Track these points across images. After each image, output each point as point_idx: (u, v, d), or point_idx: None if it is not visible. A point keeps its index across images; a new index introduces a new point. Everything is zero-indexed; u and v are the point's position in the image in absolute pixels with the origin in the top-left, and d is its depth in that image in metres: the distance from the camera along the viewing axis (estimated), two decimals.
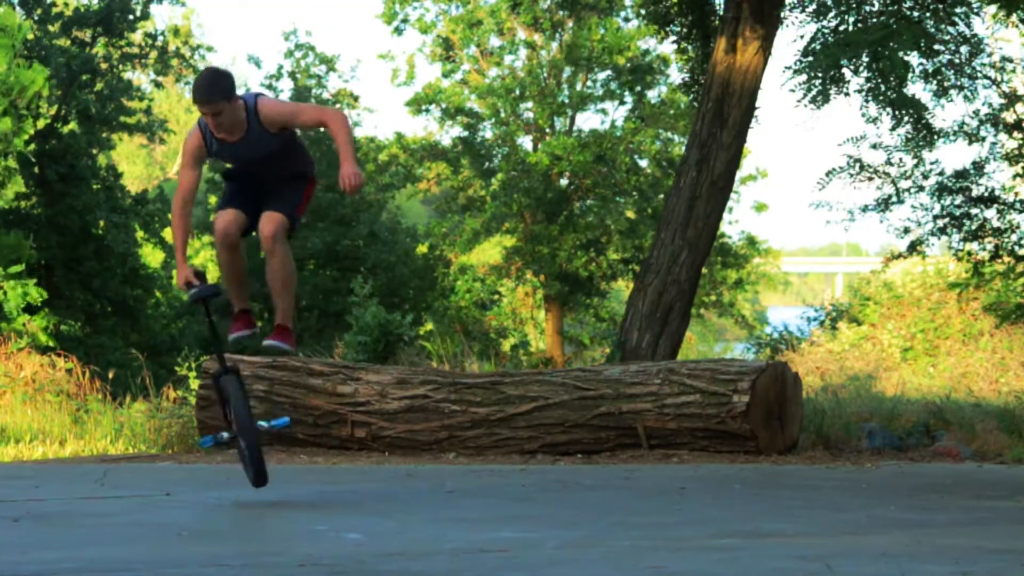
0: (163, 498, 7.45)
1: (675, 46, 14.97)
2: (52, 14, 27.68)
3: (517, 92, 29.09)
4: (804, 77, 11.29)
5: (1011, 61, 13.42)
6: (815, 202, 13.64)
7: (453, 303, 28.75)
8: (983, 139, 13.40)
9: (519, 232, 29.25)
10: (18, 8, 25.88)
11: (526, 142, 30.29)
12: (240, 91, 6.96)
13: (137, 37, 29.85)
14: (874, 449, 10.92)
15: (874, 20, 11.56)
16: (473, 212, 29.75)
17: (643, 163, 29.59)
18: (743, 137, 12.95)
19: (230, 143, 6.83)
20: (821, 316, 24.72)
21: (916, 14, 12.00)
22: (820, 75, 11.22)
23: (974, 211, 13.63)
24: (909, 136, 12.88)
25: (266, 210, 6.89)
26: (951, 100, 12.51)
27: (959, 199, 13.62)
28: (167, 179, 55.11)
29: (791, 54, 30.28)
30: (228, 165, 7.09)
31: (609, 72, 29.75)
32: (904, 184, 13.60)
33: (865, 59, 11.14)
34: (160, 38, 30.20)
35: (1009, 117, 13.53)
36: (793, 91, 11.34)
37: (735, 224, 36.24)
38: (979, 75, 12.74)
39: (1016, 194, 13.86)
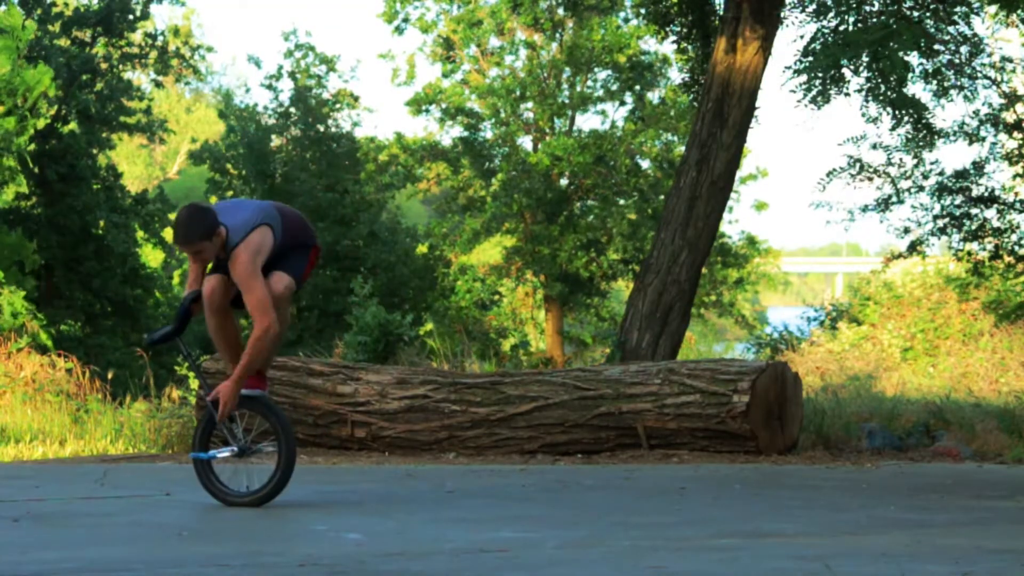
0: (163, 498, 7.45)
1: (675, 46, 14.99)
2: (52, 14, 27.69)
3: (517, 92, 29.09)
4: (804, 77, 11.29)
5: (1011, 61, 13.42)
6: (815, 202, 13.65)
7: (453, 303, 28.76)
8: (983, 139, 13.41)
9: (519, 232, 29.26)
10: (18, 8, 25.85)
11: (526, 142, 30.30)
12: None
13: (137, 37, 29.86)
14: (874, 449, 10.92)
15: (874, 20, 11.56)
16: (473, 212, 29.76)
17: (644, 164, 29.59)
18: (743, 137, 12.95)
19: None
20: (821, 316, 24.72)
21: (916, 14, 12.01)
22: (820, 75, 11.22)
23: (974, 211, 13.64)
24: (909, 136, 12.89)
25: (274, 271, 7.01)
26: (951, 100, 12.52)
27: (959, 199, 13.63)
28: (167, 179, 55.14)
29: (791, 54, 30.27)
30: None
31: (609, 72, 29.75)
32: (904, 184, 13.60)
33: (865, 59, 11.14)
34: (160, 38, 30.21)
35: (1009, 117, 13.54)
36: (793, 91, 11.35)
37: (735, 224, 36.27)
38: (979, 75, 12.75)
39: (1016, 194, 13.87)
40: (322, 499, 7.50)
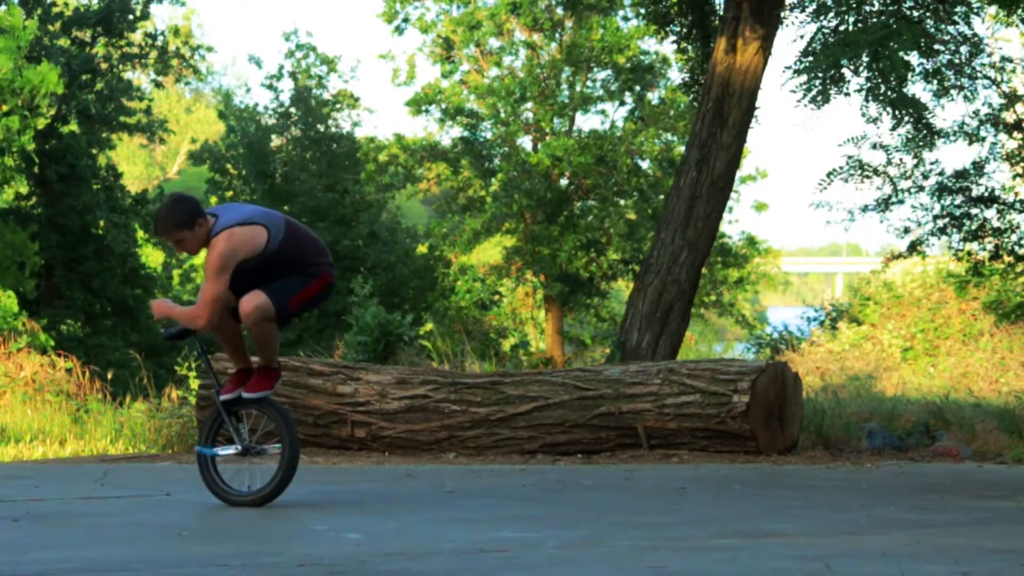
0: (163, 498, 7.45)
1: (675, 46, 14.98)
2: (52, 14, 27.68)
3: (517, 93, 29.08)
4: (804, 77, 11.28)
5: (1011, 61, 13.42)
6: (815, 202, 13.65)
7: (453, 303, 28.74)
8: (983, 139, 13.41)
9: (519, 232, 29.26)
10: (18, 8, 25.84)
11: (526, 142, 30.29)
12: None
13: (137, 37, 29.86)
14: (874, 449, 10.92)
15: (874, 20, 11.56)
16: (473, 212, 29.75)
17: (644, 164, 29.58)
18: (743, 137, 12.95)
19: None
20: (821, 316, 24.72)
21: (916, 14, 12.01)
22: (820, 75, 11.22)
23: (974, 211, 13.64)
24: (909, 136, 12.89)
25: (255, 289, 6.74)
26: (951, 100, 12.52)
27: (959, 199, 13.63)
28: (167, 179, 55.15)
29: (791, 54, 30.28)
30: None
31: (609, 72, 29.75)
32: (904, 184, 13.60)
33: (865, 59, 11.14)
34: (160, 38, 30.21)
35: (1009, 117, 13.54)
36: (793, 91, 11.35)
37: (735, 224, 36.27)
38: (979, 75, 12.75)
39: (1016, 194, 13.87)
40: (322, 499, 7.50)
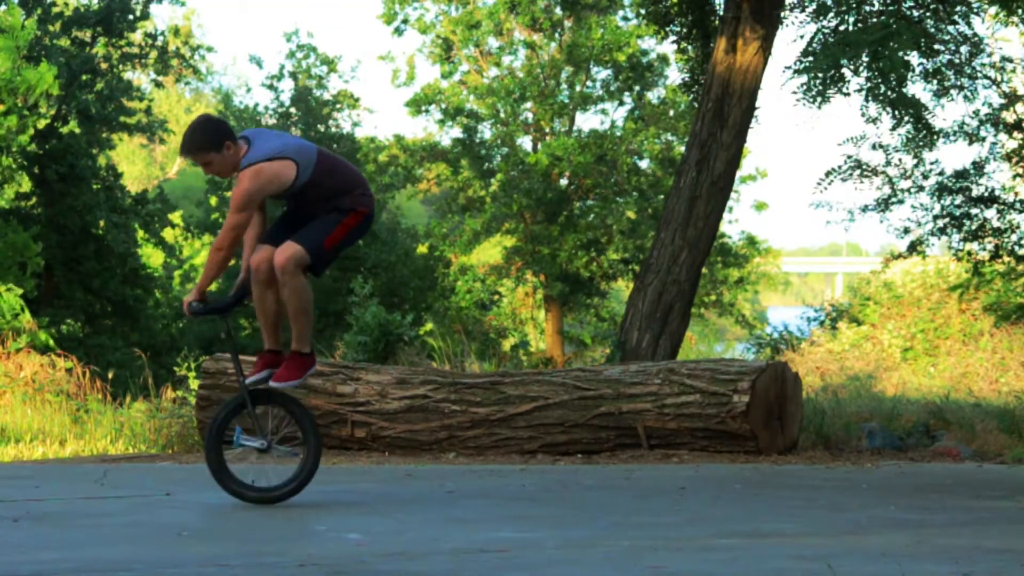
0: (163, 498, 7.44)
1: (675, 46, 14.99)
2: (52, 14, 27.68)
3: (517, 93, 29.08)
4: (804, 77, 11.29)
5: (1011, 61, 13.43)
6: (815, 202, 13.66)
7: (453, 303, 28.76)
8: (983, 139, 13.42)
9: (519, 232, 29.26)
10: (18, 8, 25.84)
11: (526, 142, 30.29)
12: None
13: (137, 37, 29.86)
14: (874, 449, 10.92)
15: (874, 20, 11.57)
16: (473, 212, 29.75)
17: (644, 164, 29.59)
18: (743, 137, 12.95)
19: None
20: (821, 316, 24.73)
21: (916, 14, 12.01)
22: (820, 75, 11.22)
23: (974, 211, 13.65)
24: (909, 136, 12.89)
25: (287, 241, 6.67)
26: (951, 100, 12.53)
27: (959, 199, 13.64)
28: (167, 179, 55.15)
29: (791, 54, 30.23)
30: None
31: (609, 72, 29.75)
32: (904, 184, 13.61)
33: (865, 59, 11.14)
34: (160, 38, 30.21)
35: (1009, 117, 13.54)
36: (793, 91, 11.36)
37: (735, 224, 36.29)
38: (979, 75, 12.76)
39: (1016, 194, 13.88)
40: (322, 499, 7.49)
